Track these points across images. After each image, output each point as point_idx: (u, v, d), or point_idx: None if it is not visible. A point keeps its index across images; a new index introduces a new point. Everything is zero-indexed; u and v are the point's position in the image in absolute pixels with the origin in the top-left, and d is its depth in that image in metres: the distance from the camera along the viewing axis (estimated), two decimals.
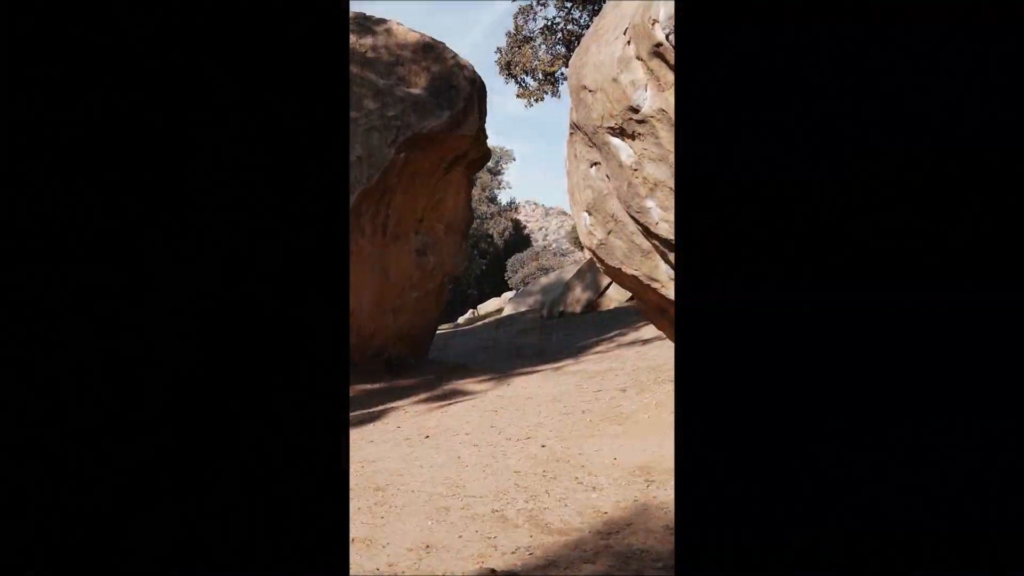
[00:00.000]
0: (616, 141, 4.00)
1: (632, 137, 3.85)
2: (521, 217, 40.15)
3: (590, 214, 4.66)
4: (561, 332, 11.41)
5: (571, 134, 4.65)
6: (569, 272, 16.30)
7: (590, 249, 4.91)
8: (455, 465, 4.23)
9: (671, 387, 6.06)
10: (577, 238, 25.61)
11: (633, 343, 9.12)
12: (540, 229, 55.25)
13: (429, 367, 8.57)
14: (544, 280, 16.88)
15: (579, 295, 13.32)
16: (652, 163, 3.80)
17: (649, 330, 10.11)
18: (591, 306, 13.17)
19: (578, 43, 5.87)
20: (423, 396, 6.96)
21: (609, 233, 4.59)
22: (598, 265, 5.23)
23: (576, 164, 4.72)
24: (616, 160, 4.07)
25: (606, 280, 13.26)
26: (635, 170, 3.94)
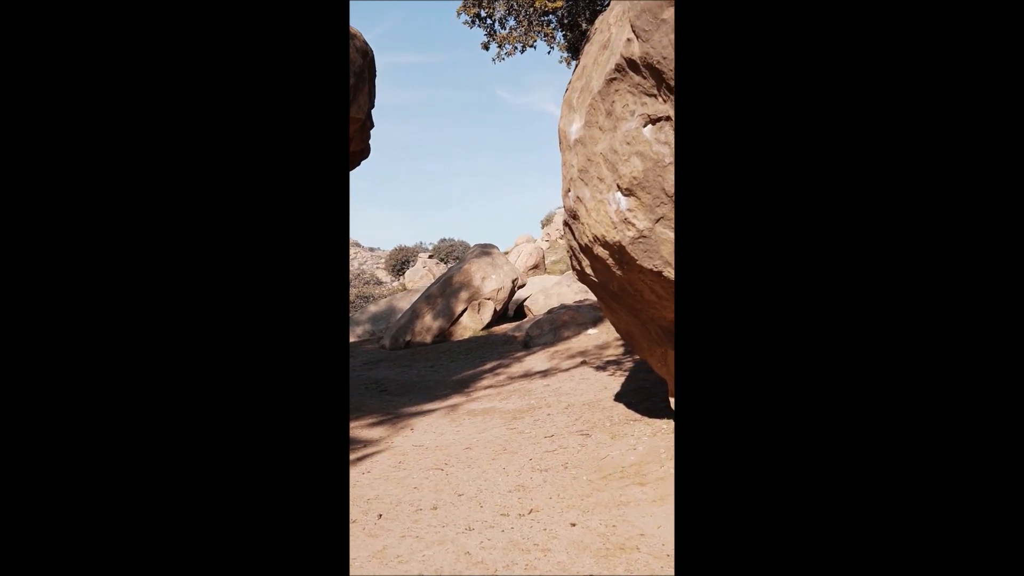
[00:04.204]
0: None
1: None
2: None
3: (631, 194, 3.36)
4: (421, 365, 9.85)
5: (610, 81, 3.35)
6: (403, 300, 14.70)
7: (615, 245, 3.60)
8: (476, 569, 2.67)
9: (645, 428, 4.90)
10: (396, 266, 23.75)
11: (527, 375, 7.87)
12: None
13: None
14: (373, 308, 15.10)
15: (429, 323, 11.80)
16: None
17: (535, 360, 8.93)
18: (443, 336, 11.73)
19: None
20: None
21: (658, 221, 3.32)
22: (595, 276, 3.92)
23: (612, 125, 3.42)
24: None
25: (460, 307, 11.92)
26: None
